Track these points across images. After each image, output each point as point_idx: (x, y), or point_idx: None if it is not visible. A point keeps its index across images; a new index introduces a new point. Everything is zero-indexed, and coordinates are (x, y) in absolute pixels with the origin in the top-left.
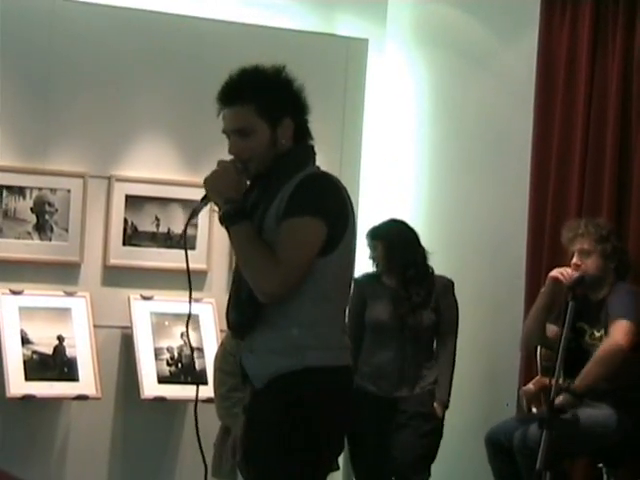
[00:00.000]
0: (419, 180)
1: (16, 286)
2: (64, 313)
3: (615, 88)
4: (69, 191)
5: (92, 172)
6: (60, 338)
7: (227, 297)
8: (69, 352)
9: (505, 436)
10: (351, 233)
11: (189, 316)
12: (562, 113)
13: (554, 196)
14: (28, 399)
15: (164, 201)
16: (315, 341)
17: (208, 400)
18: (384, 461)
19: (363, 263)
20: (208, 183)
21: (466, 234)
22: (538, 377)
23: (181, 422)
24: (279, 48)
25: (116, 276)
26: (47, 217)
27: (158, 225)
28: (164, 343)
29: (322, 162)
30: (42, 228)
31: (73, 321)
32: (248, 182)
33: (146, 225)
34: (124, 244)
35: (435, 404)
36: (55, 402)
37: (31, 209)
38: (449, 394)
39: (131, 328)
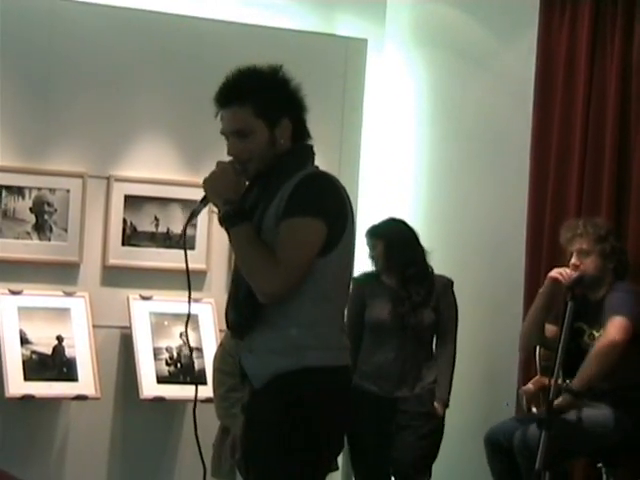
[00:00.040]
0: (418, 180)
1: (15, 286)
2: (63, 313)
3: (614, 88)
4: (68, 191)
5: (91, 172)
6: (59, 338)
7: (226, 297)
8: (68, 352)
9: (504, 436)
10: (350, 233)
11: (188, 316)
12: (561, 113)
13: (553, 196)
14: (27, 399)
15: (163, 201)
16: (315, 341)
17: (207, 400)
18: (384, 461)
19: (362, 262)
20: (207, 184)
21: (465, 234)
22: (537, 377)
23: (180, 422)
24: (278, 48)
25: (115, 276)
26: (46, 217)
27: (157, 225)
28: (163, 343)
29: (321, 162)
30: (41, 228)
31: (72, 321)
32: (247, 182)
33: (145, 225)
34: (123, 244)
35: (435, 403)
36: (54, 402)
37: (30, 209)
38: (449, 393)
39: (130, 328)
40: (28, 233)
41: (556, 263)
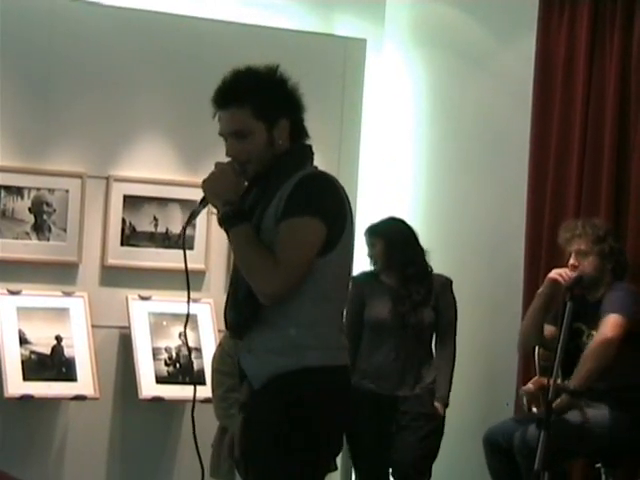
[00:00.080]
0: (417, 180)
1: (14, 286)
2: (62, 313)
3: (613, 88)
4: (67, 191)
5: (90, 172)
6: (58, 338)
7: (225, 297)
8: (67, 352)
9: (503, 436)
10: (349, 233)
11: (187, 316)
12: (560, 113)
13: (552, 196)
14: (26, 399)
15: (162, 201)
16: (314, 341)
17: (206, 400)
18: (384, 461)
19: (360, 262)
20: (206, 185)
21: (464, 234)
22: (537, 377)
23: (179, 422)
24: (277, 48)
25: (114, 276)
26: (45, 217)
27: (156, 225)
28: (162, 343)
29: (320, 162)
30: (40, 228)
31: (71, 321)
32: (246, 183)
33: (144, 225)
34: (122, 244)
35: (436, 403)
36: (53, 402)
37: (29, 209)
38: (449, 392)
39: (129, 328)
40: (27, 233)
41: (555, 263)
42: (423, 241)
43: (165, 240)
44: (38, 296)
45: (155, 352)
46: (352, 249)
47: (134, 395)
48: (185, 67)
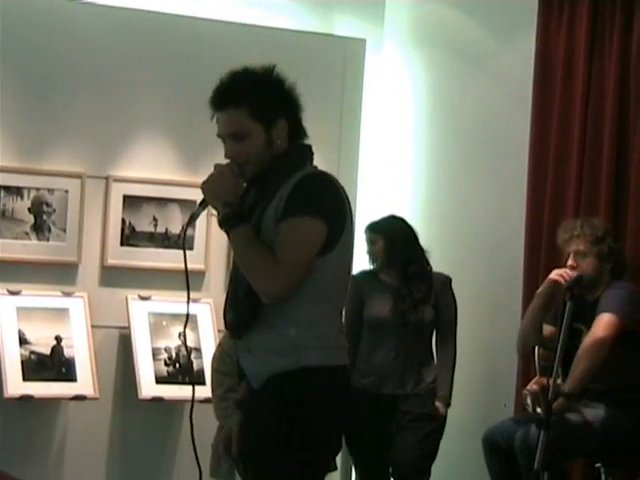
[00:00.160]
0: (417, 180)
1: (14, 286)
2: (62, 313)
3: (612, 88)
4: (67, 191)
5: (90, 172)
6: (58, 338)
7: (225, 297)
8: (67, 352)
9: (502, 437)
10: (349, 232)
11: (187, 316)
12: (559, 113)
13: (552, 196)
14: (26, 399)
15: (162, 201)
16: (314, 341)
17: (206, 400)
18: (384, 461)
19: (359, 261)
20: (206, 187)
21: (464, 234)
22: (537, 377)
23: (179, 422)
24: (277, 48)
25: (114, 276)
26: (45, 217)
27: (156, 225)
28: (162, 343)
29: (320, 162)
30: (40, 228)
31: (71, 321)
32: (245, 184)
33: (144, 225)
34: (122, 244)
35: (437, 403)
36: (53, 402)
37: (29, 209)
38: (451, 392)
39: (129, 328)
40: (27, 233)
41: (554, 263)
42: (423, 241)
43: (165, 240)
44: (38, 296)
45: (155, 352)
46: (352, 249)
47: (134, 395)
48: (184, 67)
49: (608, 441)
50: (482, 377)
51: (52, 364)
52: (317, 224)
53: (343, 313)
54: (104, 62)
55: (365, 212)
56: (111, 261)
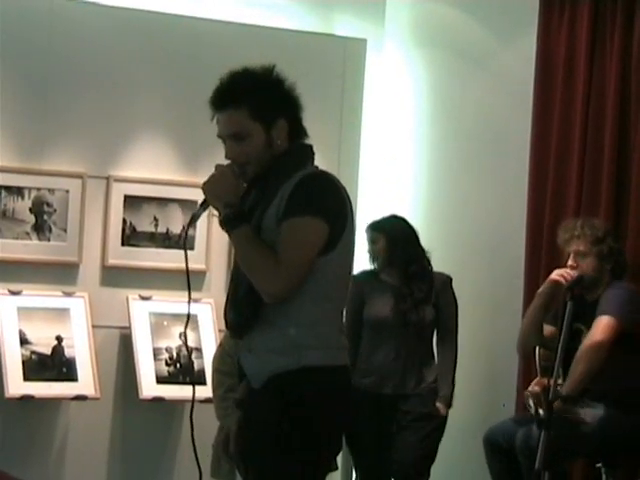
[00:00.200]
0: (418, 180)
1: (15, 286)
2: (63, 313)
3: (613, 88)
4: (68, 191)
5: (91, 172)
6: (59, 338)
7: (225, 297)
8: (68, 352)
9: (503, 437)
10: (350, 232)
11: (188, 317)
12: (560, 113)
13: (552, 196)
14: (27, 399)
15: (163, 201)
16: (315, 341)
17: (206, 400)
18: (385, 461)
19: (360, 261)
20: (206, 188)
21: (464, 234)
22: (538, 378)
23: (180, 422)
24: (277, 48)
25: (115, 276)
26: (45, 217)
27: (157, 225)
28: (163, 343)
29: (320, 162)
30: (41, 228)
31: (72, 321)
32: (245, 185)
33: (145, 225)
34: (123, 244)
35: (438, 403)
36: (54, 402)
37: (30, 209)
38: (452, 393)
39: (130, 328)
40: (27, 233)
41: (555, 262)
42: (424, 240)
43: (165, 240)
44: (39, 296)
45: (156, 352)
46: (353, 249)
47: (135, 395)
48: (184, 67)
49: (606, 441)
50: (483, 377)
51: (53, 364)
52: (318, 224)
53: (344, 313)
54: (104, 62)
55: (366, 212)
56: (112, 261)
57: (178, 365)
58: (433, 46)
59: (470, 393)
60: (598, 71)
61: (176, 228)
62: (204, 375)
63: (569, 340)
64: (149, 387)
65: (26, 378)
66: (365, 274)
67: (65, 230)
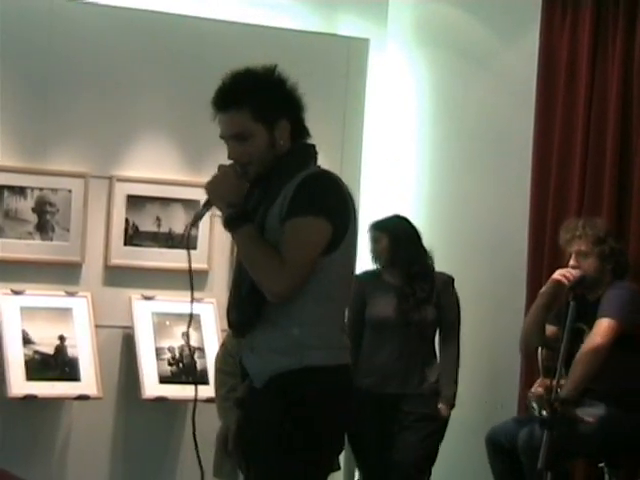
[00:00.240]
0: (420, 179)
1: (17, 286)
2: (65, 313)
3: (615, 90)
4: (70, 191)
5: (93, 172)
6: (61, 338)
7: (228, 296)
8: (70, 352)
9: (506, 437)
10: (353, 232)
11: (190, 317)
12: (563, 113)
13: (555, 195)
14: (29, 399)
15: (165, 201)
16: (317, 340)
17: (209, 400)
18: (386, 461)
19: (362, 261)
20: (209, 188)
21: (466, 233)
22: (541, 379)
23: (182, 422)
24: (280, 48)
25: (117, 276)
26: (48, 217)
27: (159, 225)
28: (165, 343)
29: (323, 162)
30: (43, 228)
31: (74, 321)
32: (248, 185)
33: (147, 225)
34: (125, 244)
35: (440, 404)
36: (56, 402)
37: (32, 209)
38: (454, 393)
39: (132, 328)
40: (30, 233)
41: (558, 262)
42: (426, 239)
43: (168, 240)
44: (41, 296)
45: (158, 352)
46: (356, 248)
47: (137, 395)
48: (188, 67)
49: (607, 440)
50: (485, 376)
51: (56, 364)
52: (321, 223)
53: (346, 313)
54: (105, 62)
55: (368, 211)
56: (114, 261)
57: (181, 365)
58: (436, 46)
59: (472, 392)
60: (600, 72)
61: (179, 228)
62: (207, 375)
63: (571, 340)
64: (152, 387)
65: (29, 378)
66: (367, 274)
67: (68, 230)
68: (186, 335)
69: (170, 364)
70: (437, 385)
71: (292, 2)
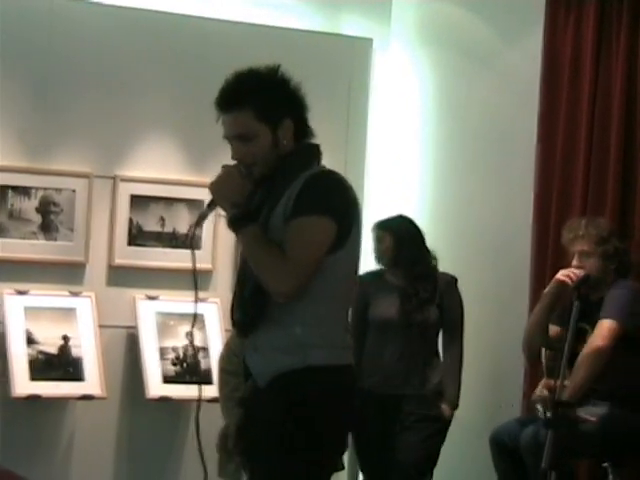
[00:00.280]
0: (423, 179)
1: (21, 286)
2: (69, 313)
3: (619, 87)
4: (74, 191)
5: (97, 172)
6: (65, 338)
7: (232, 296)
8: (74, 352)
9: (509, 437)
10: (357, 231)
11: (195, 317)
12: (566, 112)
13: (559, 195)
14: (33, 399)
15: (169, 201)
16: (320, 340)
17: (213, 400)
18: (388, 461)
19: (366, 261)
20: (213, 188)
21: (470, 233)
22: (545, 380)
23: (186, 422)
24: (284, 48)
25: (121, 276)
26: (52, 217)
27: (163, 225)
28: (169, 343)
29: (327, 161)
30: (47, 228)
31: (78, 321)
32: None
33: (151, 225)
34: (129, 244)
35: (443, 405)
36: (60, 402)
37: (36, 209)
38: (458, 395)
39: (136, 328)
40: (34, 233)
41: (561, 262)
42: (428, 240)
43: (172, 240)
44: (45, 296)
45: (162, 352)
46: (360, 248)
47: (141, 395)
48: (191, 67)
49: (610, 439)
50: (488, 377)
51: (59, 364)
52: (326, 223)
53: (349, 313)
54: (108, 62)
55: (372, 211)
56: (118, 261)
57: (184, 365)
58: (439, 45)
59: (475, 393)
60: (604, 71)
61: (183, 228)
62: (211, 374)
63: (575, 340)
64: (155, 387)
65: (33, 378)
66: (370, 275)
67: (72, 230)
68: (190, 335)
69: (174, 364)
70: (439, 386)
71: (296, 2)
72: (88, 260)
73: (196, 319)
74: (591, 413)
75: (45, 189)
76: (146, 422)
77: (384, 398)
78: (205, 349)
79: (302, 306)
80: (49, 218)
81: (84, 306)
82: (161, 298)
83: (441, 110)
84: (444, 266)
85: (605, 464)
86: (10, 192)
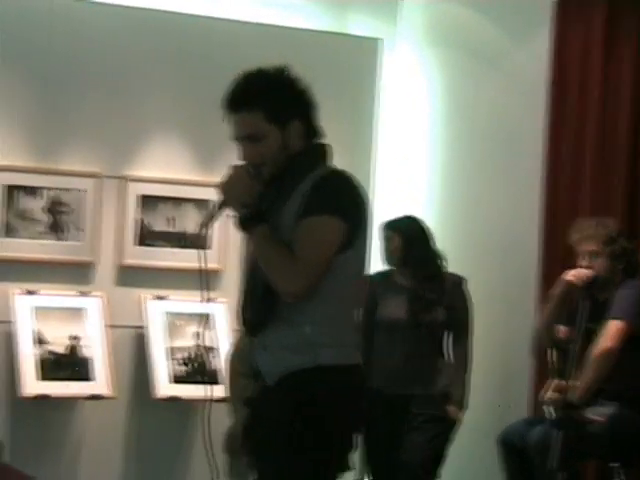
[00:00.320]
0: (431, 180)
1: (31, 286)
2: (78, 313)
3: (629, 88)
4: (83, 191)
5: (106, 172)
6: (74, 338)
7: (239, 296)
8: (83, 352)
9: (518, 437)
10: (367, 230)
11: (206, 318)
12: (574, 113)
13: (566, 195)
14: (42, 399)
15: (178, 201)
16: (329, 339)
17: (221, 400)
18: (396, 461)
19: (375, 261)
20: (223, 189)
21: (477, 234)
22: (555, 381)
23: (194, 422)
24: (291, 48)
25: (130, 276)
26: (61, 217)
27: (172, 225)
28: (178, 343)
29: (334, 161)
30: (56, 228)
31: (87, 321)
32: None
33: (160, 225)
34: (138, 244)
35: (450, 406)
36: (69, 402)
37: (46, 209)
38: (464, 394)
39: (145, 328)
40: (43, 233)
41: (570, 262)
42: (437, 240)
43: (181, 240)
44: (54, 296)
45: (171, 352)
46: (368, 247)
47: (150, 395)
48: (199, 67)
49: (618, 439)
50: (496, 377)
51: (68, 363)
52: (336, 222)
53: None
54: (118, 61)
55: (380, 212)
56: (127, 261)
57: (193, 365)
58: (447, 46)
59: (483, 393)
60: (613, 71)
61: (191, 228)
62: (219, 375)
63: (583, 340)
64: (164, 387)
65: (42, 377)
66: (379, 275)
67: (81, 230)
68: (202, 335)
69: (182, 364)
70: (447, 387)
71: (303, 2)
72: (97, 260)
73: (207, 319)
74: (599, 413)
75: (54, 189)
76: (154, 422)
77: (392, 398)
78: (214, 349)
79: (312, 306)
80: (58, 218)
81: (93, 306)
82: (170, 298)
83: (449, 110)
84: (452, 266)
85: (613, 464)
86: (19, 192)
